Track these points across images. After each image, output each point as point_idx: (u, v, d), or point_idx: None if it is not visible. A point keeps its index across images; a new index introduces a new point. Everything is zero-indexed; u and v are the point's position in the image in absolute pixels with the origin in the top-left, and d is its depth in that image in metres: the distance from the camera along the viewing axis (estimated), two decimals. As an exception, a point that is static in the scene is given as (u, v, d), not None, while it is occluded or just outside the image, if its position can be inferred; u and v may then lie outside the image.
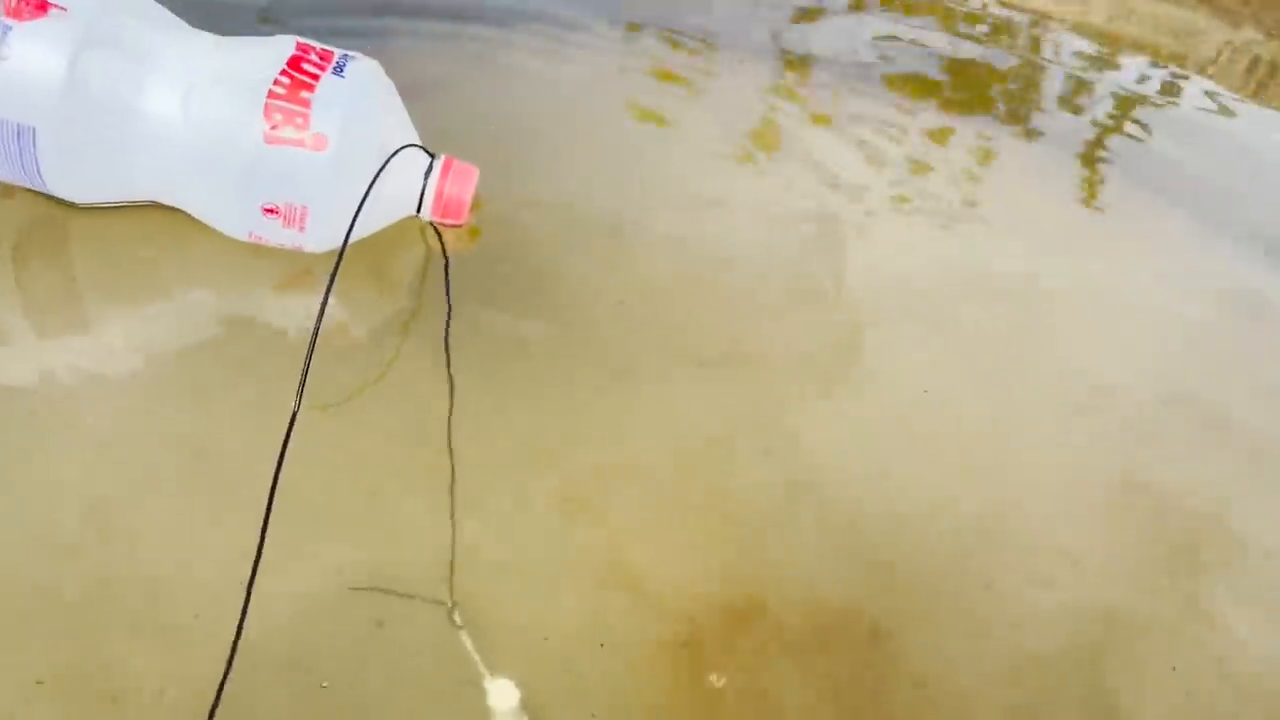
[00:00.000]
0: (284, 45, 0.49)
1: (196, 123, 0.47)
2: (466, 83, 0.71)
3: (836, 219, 0.68)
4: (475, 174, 0.53)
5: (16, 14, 0.45)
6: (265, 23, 0.70)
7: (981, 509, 0.51)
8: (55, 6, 0.45)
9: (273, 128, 0.47)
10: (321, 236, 0.50)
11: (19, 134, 0.46)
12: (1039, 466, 0.55)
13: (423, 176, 0.52)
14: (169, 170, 0.49)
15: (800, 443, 0.52)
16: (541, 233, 0.59)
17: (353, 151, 0.48)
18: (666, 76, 0.78)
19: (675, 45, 0.83)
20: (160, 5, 0.50)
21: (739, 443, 0.51)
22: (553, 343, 0.53)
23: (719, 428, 0.51)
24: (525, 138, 0.67)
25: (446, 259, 0.54)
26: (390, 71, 0.53)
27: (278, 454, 0.39)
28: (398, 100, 0.52)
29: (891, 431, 0.54)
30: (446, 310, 0.52)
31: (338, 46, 0.51)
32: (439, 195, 0.52)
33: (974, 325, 0.63)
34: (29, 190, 0.50)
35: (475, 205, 0.55)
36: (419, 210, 0.53)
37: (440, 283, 0.54)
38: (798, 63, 0.86)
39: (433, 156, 0.53)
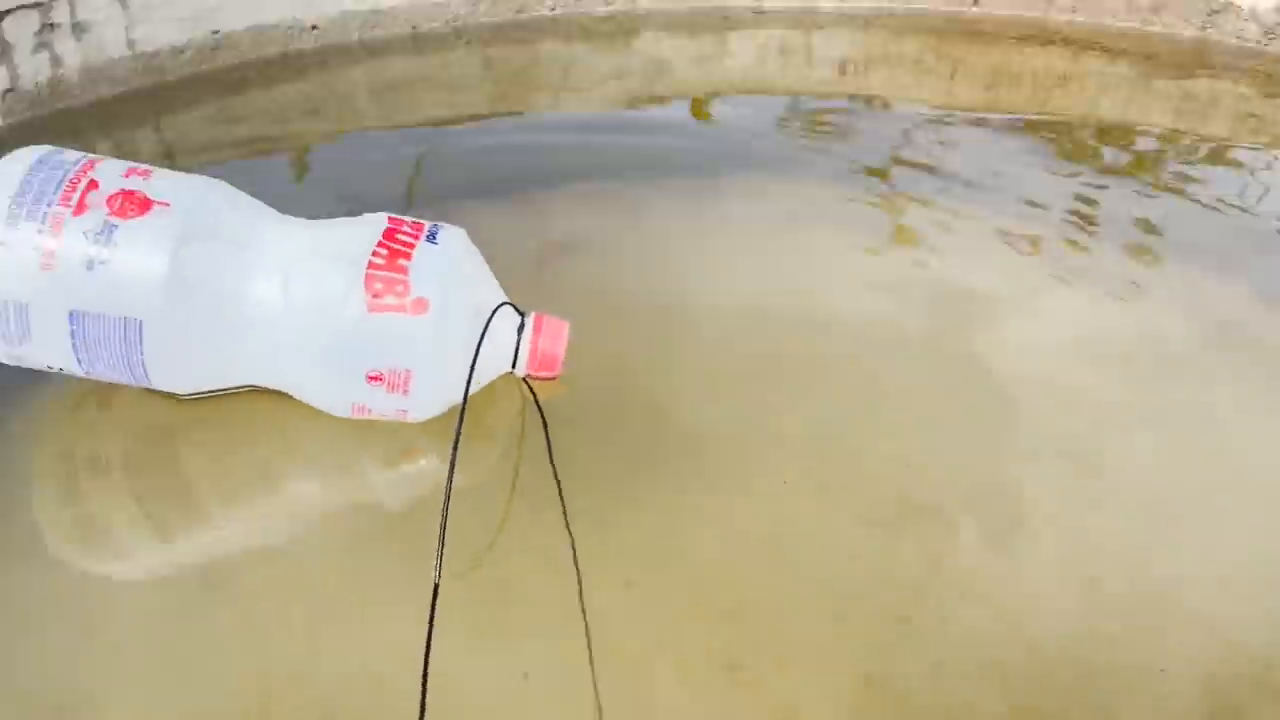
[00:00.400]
0: (377, 221, 0.51)
1: (298, 301, 0.48)
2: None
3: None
4: (566, 329, 0.54)
5: (122, 213, 0.46)
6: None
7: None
8: (158, 203, 0.46)
9: (374, 296, 0.48)
10: (424, 401, 0.51)
11: (125, 329, 0.46)
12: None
13: (516, 334, 0.53)
14: (272, 353, 0.49)
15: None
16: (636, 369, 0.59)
17: (451, 314, 0.49)
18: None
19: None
20: (249, 196, 0.51)
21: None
22: (666, 485, 0.52)
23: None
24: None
25: (541, 412, 0.55)
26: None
27: (425, 630, 0.38)
28: (484, 264, 0.54)
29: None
30: (549, 464, 0.51)
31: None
32: (533, 351, 0.53)
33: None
34: (127, 395, 0.50)
35: (567, 358, 0.55)
36: (514, 366, 0.54)
37: (537, 431, 0.53)
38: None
39: (524, 315, 0.54)
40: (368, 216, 0.52)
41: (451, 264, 0.50)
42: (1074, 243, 0.81)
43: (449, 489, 0.42)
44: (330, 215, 0.53)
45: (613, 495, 0.51)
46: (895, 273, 0.75)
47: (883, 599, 0.46)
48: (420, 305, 0.48)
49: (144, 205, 0.46)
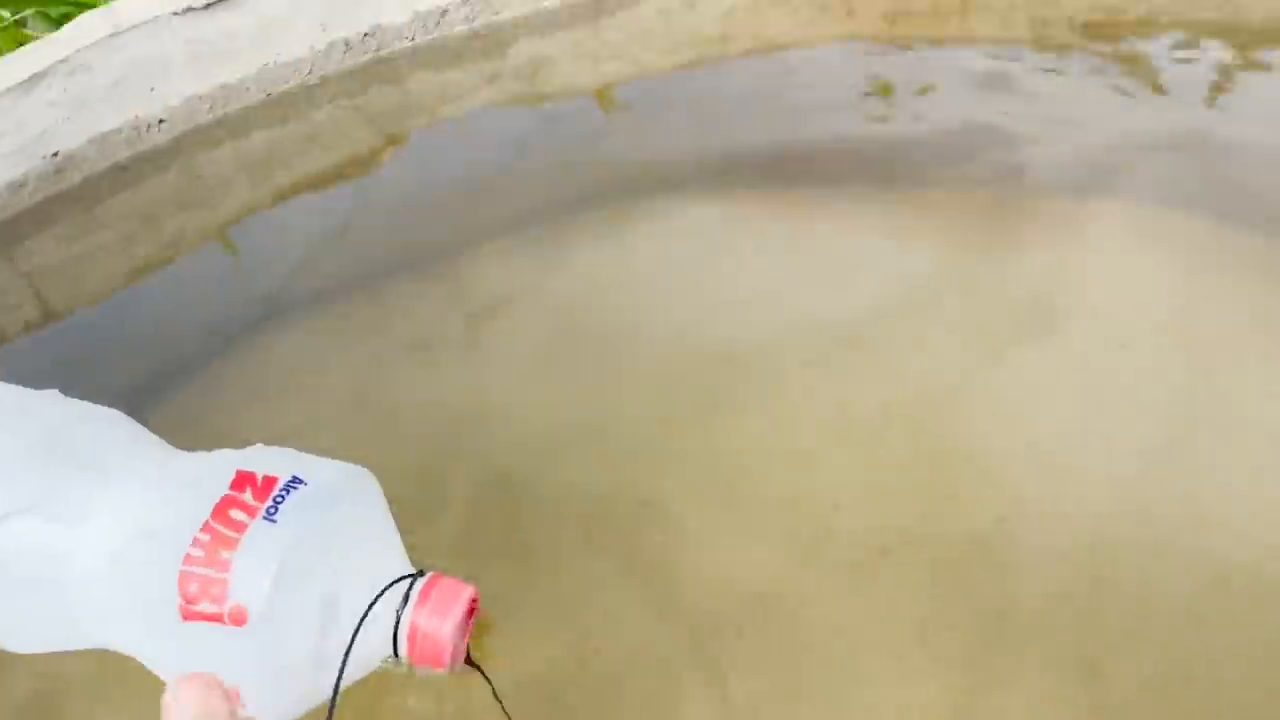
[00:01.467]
0: (220, 478, 0.41)
1: (123, 586, 0.40)
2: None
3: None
4: (466, 596, 0.40)
5: None
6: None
7: None
8: None
9: (188, 601, 0.38)
10: (269, 714, 0.41)
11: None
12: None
13: (396, 609, 0.39)
14: (106, 627, 0.42)
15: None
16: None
17: (280, 621, 0.39)
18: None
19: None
20: (121, 418, 0.44)
21: None
22: None
23: None
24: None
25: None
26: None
27: None
28: (376, 514, 0.42)
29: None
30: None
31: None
32: (412, 632, 0.40)
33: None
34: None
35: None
36: (395, 652, 0.40)
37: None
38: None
39: (415, 577, 0.40)
40: (219, 462, 0.42)
41: (291, 553, 0.39)
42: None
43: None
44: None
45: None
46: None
47: None
48: (239, 616, 0.38)
49: None
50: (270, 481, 0.41)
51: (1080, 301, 0.71)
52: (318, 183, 0.96)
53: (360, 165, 0.98)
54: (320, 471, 0.41)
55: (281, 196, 0.96)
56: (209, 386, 0.76)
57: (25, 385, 0.46)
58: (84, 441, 0.43)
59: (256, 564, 0.38)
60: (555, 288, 0.78)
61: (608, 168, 0.92)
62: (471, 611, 0.40)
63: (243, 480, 0.41)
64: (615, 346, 0.72)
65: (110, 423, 0.44)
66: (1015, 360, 0.67)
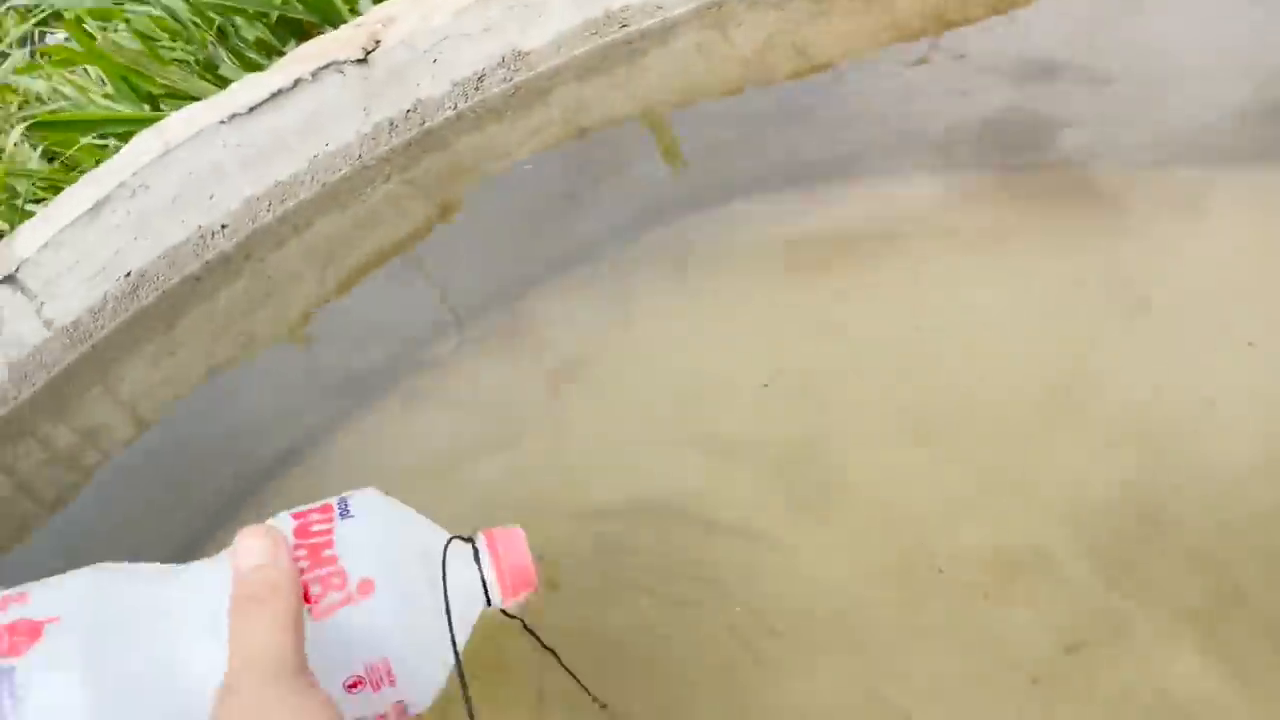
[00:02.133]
0: (280, 526, 0.44)
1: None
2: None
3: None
4: (522, 536, 0.47)
5: (13, 650, 0.38)
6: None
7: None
8: (47, 621, 0.39)
9: (315, 602, 0.41)
10: (418, 682, 0.43)
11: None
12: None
13: (475, 564, 0.46)
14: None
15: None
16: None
17: (400, 579, 0.43)
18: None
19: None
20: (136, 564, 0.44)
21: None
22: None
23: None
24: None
25: (533, 632, 0.49)
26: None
27: None
28: (406, 509, 0.47)
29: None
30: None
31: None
32: (500, 574, 0.46)
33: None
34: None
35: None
36: (488, 602, 0.47)
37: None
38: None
39: (472, 540, 0.47)
40: (271, 523, 0.44)
41: (377, 528, 0.43)
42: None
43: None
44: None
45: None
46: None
47: None
48: (366, 587, 0.41)
49: (33, 632, 0.39)
50: (326, 506, 0.44)
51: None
52: (379, 261, 0.97)
53: (418, 237, 0.99)
54: (353, 493, 0.46)
55: (349, 283, 0.97)
56: (296, 481, 0.76)
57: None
58: (138, 572, 0.43)
59: (358, 542, 0.42)
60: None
61: (663, 189, 0.91)
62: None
63: (302, 515, 0.44)
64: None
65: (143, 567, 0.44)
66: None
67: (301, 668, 0.37)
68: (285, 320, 0.93)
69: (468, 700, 0.39)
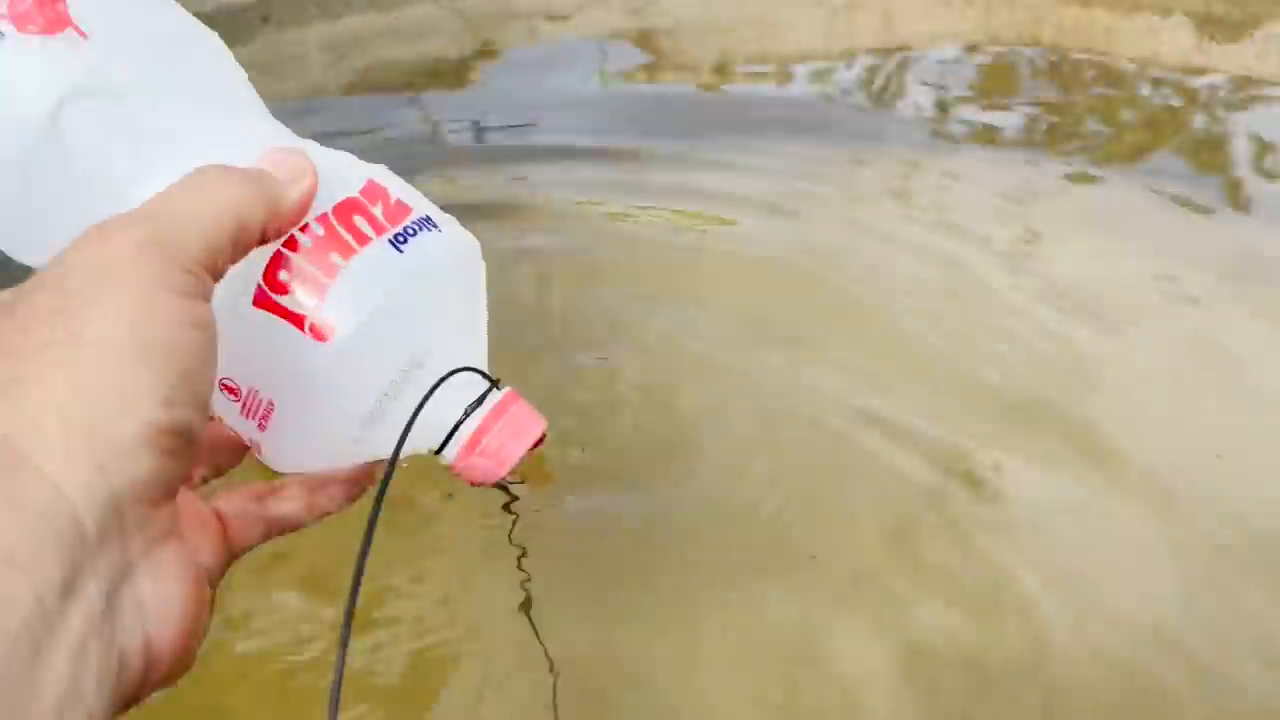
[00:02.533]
0: (347, 177, 0.35)
1: None
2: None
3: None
4: (540, 429, 0.36)
5: (21, 21, 0.33)
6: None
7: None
8: (74, 28, 0.32)
9: (271, 289, 0.32)
10: (283, 449, 0.35)
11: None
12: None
13: (462, 409, 0.35)
14: None
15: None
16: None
17: (365, 357, 0.33)
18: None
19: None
20: (234, 68, 0.36)
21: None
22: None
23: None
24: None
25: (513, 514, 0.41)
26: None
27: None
28: (478, 294, 0.37)
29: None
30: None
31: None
32: (473, 441, 0.35)
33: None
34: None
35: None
36: (440, 449, 0.36)
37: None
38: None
39: (493, 385, 0.36)
40: (341, 158, 0.36)
41: (402, 286, 0.34)
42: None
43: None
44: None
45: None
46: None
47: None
48: (325, 330, 0.32)
49: (57, 23, 0.32)
50: (404, 208, 0.34)
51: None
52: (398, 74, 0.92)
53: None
54: (452, 225, 0.36)
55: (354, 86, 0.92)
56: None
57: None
58: (208, 70, 0.35)
59: (367, 283, 0.32)
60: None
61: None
62: (533, 445, 0.36)
63: (375, 192, 0.34)
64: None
65: (225, 80, 0.36)
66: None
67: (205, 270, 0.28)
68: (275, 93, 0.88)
69: (372, 519, 0.31)
